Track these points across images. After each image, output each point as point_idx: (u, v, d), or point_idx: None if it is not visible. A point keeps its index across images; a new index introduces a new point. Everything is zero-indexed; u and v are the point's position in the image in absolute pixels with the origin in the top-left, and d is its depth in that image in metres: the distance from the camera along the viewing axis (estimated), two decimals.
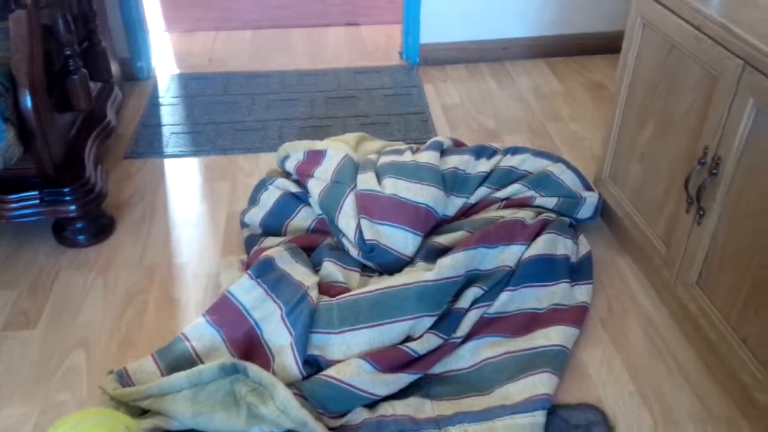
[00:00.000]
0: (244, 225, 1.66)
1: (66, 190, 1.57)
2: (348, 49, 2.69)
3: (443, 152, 1.74)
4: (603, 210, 1.70)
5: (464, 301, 1.37)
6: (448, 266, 1.36)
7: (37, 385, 1.28)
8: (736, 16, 1.17)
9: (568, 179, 1.68)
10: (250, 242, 1.58)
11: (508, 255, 1.45)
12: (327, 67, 2.52)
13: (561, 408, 1.23)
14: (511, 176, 1.69)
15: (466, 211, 1.64)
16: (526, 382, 1.23)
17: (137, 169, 1.93)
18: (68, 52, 1.63)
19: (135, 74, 2.41)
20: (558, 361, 1.28)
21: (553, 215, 1.58)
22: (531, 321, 1.37)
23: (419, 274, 1.34)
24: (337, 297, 1.33)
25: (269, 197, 1.65)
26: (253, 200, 1.69)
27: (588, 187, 1.70)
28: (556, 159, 1.75)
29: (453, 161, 1.69)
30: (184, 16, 2.98)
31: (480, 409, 1.20)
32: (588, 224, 1.69)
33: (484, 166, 1.71)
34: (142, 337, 1.38)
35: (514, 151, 1.77)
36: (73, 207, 1.58)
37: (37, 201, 1.56)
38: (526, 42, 2.54)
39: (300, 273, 1.39)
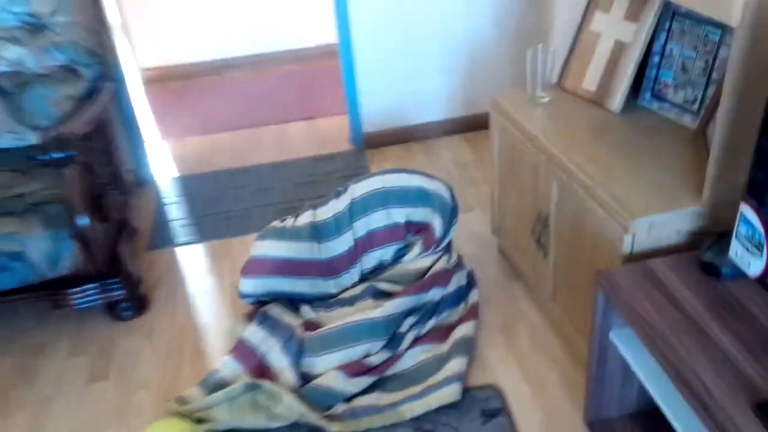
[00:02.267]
0: (243, 296, 2.28)
1: (114, 280, 2.19)
2: (308, 139, 3.37)
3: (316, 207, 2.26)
4: (500, 249, 2.36)
5: (405, 327, 2.01)
6: (393, 306, 2.00)
7: (120, 415, 1.88)
8: (545, 129, 1.86)
9: (407, 178, 2.18)
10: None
11: (435, 293, 2.09)
12: (292, 158, 3.19)
13: (471, 389, 1.87)
14: (372, 199, 2.16)
15: (362, 242, 2.17)
16: (446, 367, 1.88)
17: (157, 258, 2.56)
18: (102, 181, 2.28)
19: (141, 182, 3.05)
20: (466, 346, 1.93)
21: (454, 259, 2.21)
22: (448, 330, 2.03)
23: (371, 312, 1.98)
24: (316, 331, 1.97)
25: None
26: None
27: (427, 176, 2.20)
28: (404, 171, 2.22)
29: (328, 211, 2.18)
30: (174, 126, 3.65)
31: (419, 391, 1.84)
32: (491, 258, 2.34)
33: (342, 202, 2.18)
34: (182, 377, 2.00)
35: (359, 179, 2.21)
36: (121, 292, 2.20)
37: (95, 290, 2.17)
38: (445, 123, 3.25)
39: (289, 317, 2.04)
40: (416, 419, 1.78)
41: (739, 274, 1.33)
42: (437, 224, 2.16)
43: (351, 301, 2.10)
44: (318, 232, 2.15)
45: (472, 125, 3.27)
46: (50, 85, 2.37)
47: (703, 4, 1.33)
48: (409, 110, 3.20)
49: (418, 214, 2.16)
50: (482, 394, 1.85)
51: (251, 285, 2.12)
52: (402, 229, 2.16)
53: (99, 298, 2.18)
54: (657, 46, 1.85)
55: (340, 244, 2.15)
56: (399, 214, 2.16)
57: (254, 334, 1.99)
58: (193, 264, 2.51)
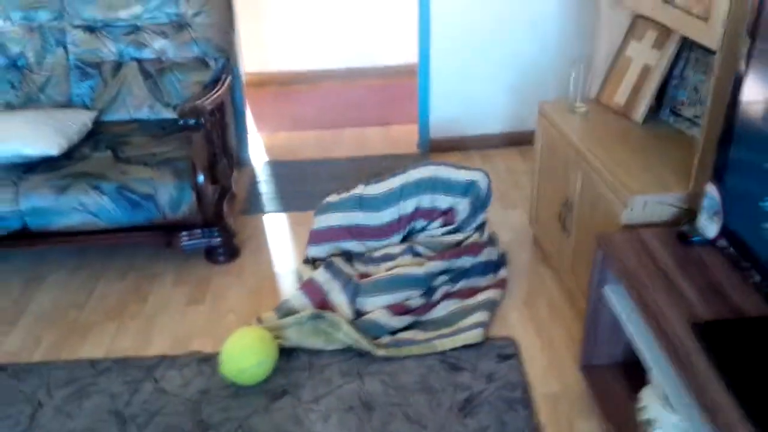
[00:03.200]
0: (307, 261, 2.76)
1: (216, 229, 2.71)
2: (381, 142, 3.86)
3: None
4: (535, 238, 2.75)
5: (438, 282, 2.45)
6: (430, 266, 2.43)
7: (211, 329, 2.38)
8: (578, 131, 2.27)
9: (454, 171, 2.64)
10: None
11: (465, 261, 2.52)
12: (366, 154, 3.68)
13: (491, 339, 2.26)
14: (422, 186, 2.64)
15: (407, 217, 2.65)
16: (472, 317, 2.30)
17: (249, 221, 3.08)
18: (216, 151, 2.82)
19: (241, 162, 3.61)
20: (490, 306, 2.35)
21: (486, 237, 2.63)
22: (475, 291, 2.45)
23: (413, 268, 2.41)
24: (369, 278, 2.43)
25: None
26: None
27: (469, 168, 2.65)
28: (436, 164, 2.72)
29: (381, 187, 2.65)
30: (269, 122, 4.22)
31: (449, 332, 2.26)
32: (526, 245, 2.74)
33: (397, 182, 2.65)
34: (262, 306, 2.48)
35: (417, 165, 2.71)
36: (219, 239, 2.72)
37: (200, 234, 2.70)
38: (502, 135, 3.67)
39: (348, 268, 2.51)
40: (443, 353, 2.19)
41: (704, 240, 1.69)
42: (463, 206, 2.60)
43: (392, 257, 2.55)
44: (364, 203, 2.63)
45: (527, 139, 3.67)
46: (184, 72, 2.96)
47: (698, 34, 1.73)
48: (471, 122, 3.64)
49: (453, 202, 2.63)
50: (500, 342, 2.24)
51: (314, 251, 2.64)
52: (440, 213, 2.62)
53: (202, 241, 2.70)
54: (676, 71, 2.24)
55: (386, 216, 2.63)
56: (442, 201, 2.62)
57: (320, 275, 2.46)
58: (276, 228, 3.01)
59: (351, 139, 3.92)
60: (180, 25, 2.97)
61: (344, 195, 2.69)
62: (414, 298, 2.37)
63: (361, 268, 2.57)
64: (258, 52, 4.83)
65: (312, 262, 2.68)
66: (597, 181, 2.04)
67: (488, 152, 3.67)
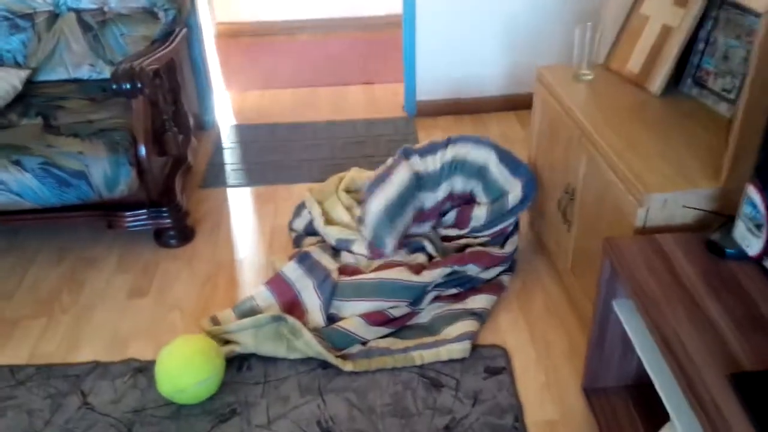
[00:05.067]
0: (291, 229, 2.43)
1: (165, 209, 2.36)
2: (363, 103, 3.48)
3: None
4: (531, 222, 2.42)
5: (431, 291, 2.10)
6: (431, 276, 2.06)
7: (153, 330, 2.06)
8: (583, 104, 1.90)
9: (498, 171, 2.19)
10: (297, 240, 2.37)
11: (470, 269, 2.12)
12: (346, 119, 3.31)
13: (479, 346, 1.95)
14: (458, 169, 2.23)
15: (440, 203, 2.28)
16: (459, 324, 1.97)
17: (208, 196, 2.73)
18: (164, 117, 2.45)
19: (204, 125, 3.23)
20: (481, 314, 2.01)
21: (506, 251, 2.21)
22: (466, 294, 2.11)
23: (409, 275, 2.05)
24: (351, 278, 2.08)
25: (305, 214, 2.43)
26: (297, 214, 2.46)
27: (515, 172, 2.18)
28: (490, 148, 2.22)
29: (419, 165, 2.25)
30: (238, 79, 3.82)
31: (431, 342, 1.93)
32: (521, 230, 2.40)
33: (437, 162, 2.25)
34: (214, 303, 2.15)
35: (455, 141, 2.26)
36: (168, 220, 2.37)
37: (146, 216, 2.35)
38: (498, 98, 3.29)
39: (326, 260, 2.16)
40: (421, 366, 1.88)
41: (742, 255, 1.36)
42: (482, 210, 2.20)
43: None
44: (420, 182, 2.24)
45: (525, 103, 3.29)
46: (129, 25, 2.55)
47: None
48: (463, 83, 3.25)
49: (468, 187, 2.26)
50: (489, 352, 1.93)
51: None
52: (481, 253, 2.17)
53: (149, 223, 2.36)
54: (702, 33, 1.86)
55: (436, 196, 2.27)
56: (480, 194, 2.25)
57: (293, 270, 2.12)
58: (240, 205, 2.66)
59: (329, 100, 3.53)
60: None
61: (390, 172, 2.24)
62: (399, 307, 2.05)
63: (348, 259, 2.23)
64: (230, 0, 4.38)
65: (297, 239, 2.35)
66: (605, 169, 1.69)
67: (482, 117, 3.29)
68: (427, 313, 2.06)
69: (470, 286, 2.14)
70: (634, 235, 1.52)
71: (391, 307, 2.03)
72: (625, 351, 1.66)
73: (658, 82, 1.91)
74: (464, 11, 3.07)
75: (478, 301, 2.07)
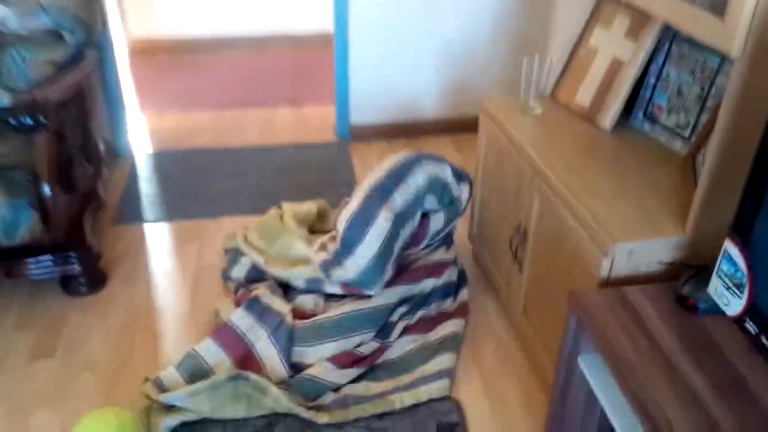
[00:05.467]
0: (228, 278, 2.20)
1: (72, 253, 2.10)
2: (293, 126, 3.29)
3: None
4: (475, 257, 2.30)
5: (395, 316, 1.97)
6: (386, 296, 1.96)
7: (59, 398, 1.79)
8: (533, 140, 1.80)
9: (448, 176, 2.10)
10: (238, 291, 2.13)
11: (427, 284, 2.05)
12: (274, 143, 3.11)
13: (432, 401, 1.80)
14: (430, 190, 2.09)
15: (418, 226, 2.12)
16: (435, 361, 1.86)
17: (123, 233, 2.47)
18: (72, 151, 2.19)
19: (116, 152, 2.95)
20: (454, 342, 1.92)
21: (453, 253, 2.16)
22: (435, 322, 2.00)
23: (363, 302, 1.93)
24: (310, 320, 1.91)
25: (246, 261, 2.22)
26: (234, 261, 2.24)
27: (459, 177, 2.15)
28: (446, 163, 2.18)
29: (398, 205, 2.07)
30: (155, 100, 3.54)
31: (408, 382, 1.80)
32: (465, 265, 2.28)
33: (411, 193, 2.08)
34: (133, 361, 1.91)
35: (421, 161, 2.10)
36: (77, 266, 2.11)
37: (51, 263, 2.08)
38: (433, 122, 3.18)
39: (278, 304, 1.96)
40: (366, 422, 1.71)
41: (716, 310, 1.27)
42: (439, 217, 2.11)
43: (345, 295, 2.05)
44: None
45: (461, 127, 3.20)
46: (31, 48, 2.27)
47: (704, 32, 1.28)
48: (397, 106, 3.13)
49: (433, 204, 2.11)
50: (441, 406, 1.79)
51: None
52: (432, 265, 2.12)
53: (54, 270, 2.09)
54: (654, 68, 1.80)
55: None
56: (430, 202, 2.10)
57: (241, 319, 1.91)
58: (159, 243, 2.42)
59: (256, 123, 3.32)
60: None
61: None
62: (366, 342, 1.90)
63: (302, 299, 2.04)
64: (145, 12, 4.09)
65: (238, 290, 2.12)
66: (563, 213, 1.58)
67: (417, 140, 3.17)
68: (399, 347, 1.93)
69: (436, 310, 2.05)
70: (599, 288, 1.42)
71: (359, 345, 1.89)
72: (589, 408, 1.55)
73: (609, 118, 1.84)
74: (399, 30, 2.95)
75: (448, 327, 1.99)
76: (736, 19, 1.19)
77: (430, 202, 2.10)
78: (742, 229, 1.16)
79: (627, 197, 1.56)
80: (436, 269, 2.09)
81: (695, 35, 1.32)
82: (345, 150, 3.07)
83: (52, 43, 2.31)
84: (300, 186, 2.77)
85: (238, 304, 2.01)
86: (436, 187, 2.08)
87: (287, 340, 1.86)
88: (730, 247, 1.19)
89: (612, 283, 1.45)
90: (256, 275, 2.18)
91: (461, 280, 2.17)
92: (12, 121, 1.86)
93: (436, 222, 2.12)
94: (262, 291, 2.01)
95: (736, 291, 1.18)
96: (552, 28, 2.00)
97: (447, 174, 2.10)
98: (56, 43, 2.30)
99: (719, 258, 1.22)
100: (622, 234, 1.42)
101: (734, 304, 1.20)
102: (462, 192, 2.16)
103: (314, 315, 1.97)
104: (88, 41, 2.36)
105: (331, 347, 1.86)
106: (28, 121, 1.87)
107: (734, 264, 1.18)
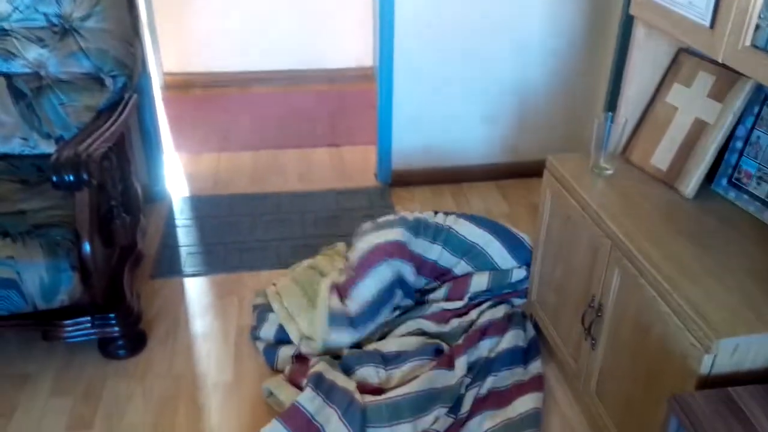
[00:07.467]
0: (257, 338, 2.09)
1: (112, 315, 1.99)
2: (331, 169, 3.18)
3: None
4: (535, 324, 2.16)
5: (462, 388, 1.86)
6: (460, 369, 1.88)
7: None
8: (609, 206, 1.67)
9: (495, 251, 2.24)
10: (269, 351, 2.03)
11: (485, 345, 1.97)
12: (314, 189, 3.00)
13: None
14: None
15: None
16: None
17: (161, 288, 2.36)
18: (113, 203, 2.09)
19: (153, 197, 2.86)
20: (536, 419, 1.80)
21: (507, 309, 2.12)
22: (510, 395, 1.88)
23: (438, 374, 1.85)
24: (383, 397, 1.78)
25: (274, 318, 2.10)
26: (263, 319, 2.12)
27: (519, 258, 2.24)
28: (489, 228, 2.29)
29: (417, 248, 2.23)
30: (190, 139, 3.46)
31: None
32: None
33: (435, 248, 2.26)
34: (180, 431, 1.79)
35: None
36: (116, 328, 2.00)
37: (89, 325, 1.97)
38: (480, 168, 3.06)
39: (342, 380, 1.83)
40: None
41: None
42: (480, 280, 2.19)
43: (404, 358, 1.95)
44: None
45: (507, 173, 3.08)
46: (70, 93, 2.18)
47: None
48: (442, 150, 3.01)
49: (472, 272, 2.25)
50: None
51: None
52: (451, 277, 2.26)
53: (93, 332, 1.98)
54: (741, 131, 1.66)
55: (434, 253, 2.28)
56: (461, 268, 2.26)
57: (310, 401, 1.77)
58: (199, 299, 2.31)
59: (294, 165, 3.22)
60: (63, 30, 2.19)
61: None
62: (441, 417, 1.79)
63: (363, 372, 1.90)
64: (180, 48, 4.03)
65: (269, 352, 2.04)
66: (650, 294, 1.45)
67: (462, 187, 3.05)
68: (477, 425, 1.80)
69: (510, 380, 1.93)
70: (703, 390, 1.27)
71: (435, 421, 1.78)
72: None
73: (691, 184, 1.70)
74: (447, 72, 2.84)
75: (527, 402, 1.85)
76: None
77: (448, 259, 2.24)
78: None
79: (724, 279, 1.42)
80: (493, 329, 2.04)
81: None
82: (386, 196, 2.96)
83: (91, 88, 2.22)
84: (341, 236, 2.65)
85: (292, 382, 1.89)
86: (460, 247, 2.25)
87: (360, 422, 1.72)
88: None
89: (713, 382, 1.30)
90: (284, 336, 2.07)
91: (532, 349, 2.05)
92: (54, 178, 1.76)
93: (480, 280, 2.20)
94: (323, 366, 1.88)
95: None
96: (625, 83, 1.87)
97: (487, 241, 2.25)
98: (95, 88, 2.21)
99: None
100: (727, 327, 1.28)
101: None
102: (513, 265, 2.24)
103: (380, 389, 1.85)
104: (129, 86, 2.27)
105: (409, 427, 1.74)
106: (71, 178, 1.77)
107: None
